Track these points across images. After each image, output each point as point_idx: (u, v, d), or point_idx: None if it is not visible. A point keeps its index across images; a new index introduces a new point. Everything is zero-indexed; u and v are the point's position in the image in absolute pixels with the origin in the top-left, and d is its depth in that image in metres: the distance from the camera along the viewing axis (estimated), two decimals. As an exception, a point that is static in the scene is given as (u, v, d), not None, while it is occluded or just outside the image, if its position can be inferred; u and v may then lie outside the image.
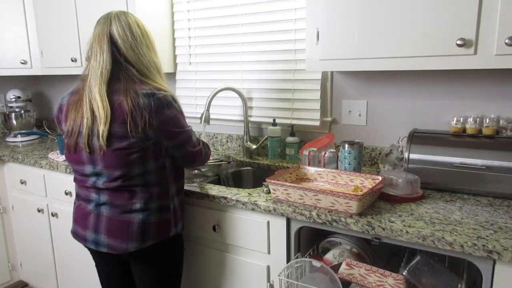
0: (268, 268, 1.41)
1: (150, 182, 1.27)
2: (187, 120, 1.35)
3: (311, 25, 1.52)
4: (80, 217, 1.33)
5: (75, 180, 1.36)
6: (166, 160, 1.30)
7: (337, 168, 1.60)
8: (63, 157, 2.08)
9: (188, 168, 1.52)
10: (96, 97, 1.19)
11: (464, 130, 1.46)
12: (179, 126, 1.27)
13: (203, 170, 1.88)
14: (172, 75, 2.33)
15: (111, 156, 1.22)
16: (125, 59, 1.24)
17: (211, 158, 1.94)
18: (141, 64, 1.25)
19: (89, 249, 1.37)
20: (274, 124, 1.96)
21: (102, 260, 1.46)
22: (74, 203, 1.38)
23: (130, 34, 1.24)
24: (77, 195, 1.37)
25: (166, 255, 1.37)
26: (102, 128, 1.18)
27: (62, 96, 1.36)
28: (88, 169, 1.27)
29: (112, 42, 1.23)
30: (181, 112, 1.28)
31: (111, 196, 1.27)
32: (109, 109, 1.18)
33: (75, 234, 1.35)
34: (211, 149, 2.23)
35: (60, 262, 2.20)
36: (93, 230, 1.28)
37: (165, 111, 1.21)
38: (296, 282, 1.28)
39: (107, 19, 1.25)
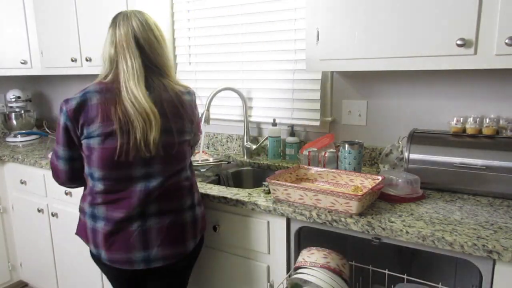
0: (268, 268, 1.41)
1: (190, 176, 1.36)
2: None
3: (311, 25, 1.52)
4: (119, 240, 1.21)
5: (103, 192, 1.21)
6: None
7: (337, 168, 1.61)
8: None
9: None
10: (141, 98, 1.17)
11: (464, 130, 1.46)
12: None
13: (202, 170, 1.88)
14: (172, 75, 2.33)
15: (172, 152, 1.25)
16: (155, 65, 1.26)
17: (210, 158, 1.95)
18: (166, 66, 1.29)
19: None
20: (274, 124, 1.96)
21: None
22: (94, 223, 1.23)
23: (154, 38, 1.25)
24: (107, 218, 1.21)
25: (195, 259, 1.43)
26: (156, 127, 1.18)
27: (82, 95, 1.18)
28: (138, 171, 1.20)
29: (140, 47, 1.22)
30: None
31: (160, 202, 1.23)
32: (156, 111, 1.19)
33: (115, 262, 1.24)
34: (211, 149, 2.22)
35: (60, 262, 2.20)
36: (142, 248, 1.22)
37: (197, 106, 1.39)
38: None
39: (126, 21, 1.23)
